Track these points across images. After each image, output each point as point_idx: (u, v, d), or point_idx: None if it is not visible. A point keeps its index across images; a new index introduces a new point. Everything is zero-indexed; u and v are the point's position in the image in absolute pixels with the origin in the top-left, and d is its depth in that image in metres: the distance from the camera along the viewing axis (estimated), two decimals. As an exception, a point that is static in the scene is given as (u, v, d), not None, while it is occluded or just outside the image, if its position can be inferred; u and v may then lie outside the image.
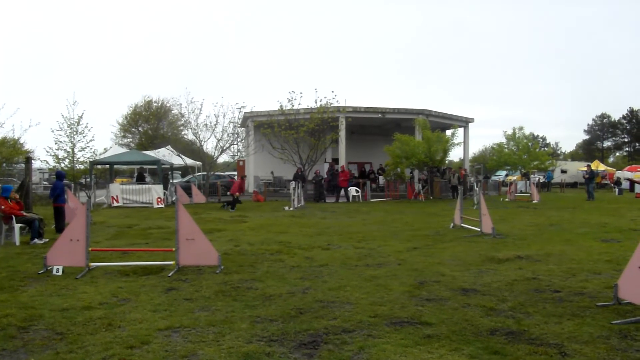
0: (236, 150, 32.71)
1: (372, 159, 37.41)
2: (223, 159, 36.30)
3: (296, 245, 11.03)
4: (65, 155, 24.38)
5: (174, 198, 23.80)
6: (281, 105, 29.69)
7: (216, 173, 34.20)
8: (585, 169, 30.67)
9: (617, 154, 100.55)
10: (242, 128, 34.46)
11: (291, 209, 21.35)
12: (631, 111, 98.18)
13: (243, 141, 33.68)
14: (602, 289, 6.93)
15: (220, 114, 31.60)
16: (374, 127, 37.19)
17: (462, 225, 14.01)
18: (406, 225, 15.25)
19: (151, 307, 6.07)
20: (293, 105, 29.47)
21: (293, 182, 25.42)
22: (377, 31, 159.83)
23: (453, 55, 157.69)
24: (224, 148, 29.91)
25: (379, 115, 32.50)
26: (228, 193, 25.92)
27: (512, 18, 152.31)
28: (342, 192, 27.32)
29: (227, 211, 20.57)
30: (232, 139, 30.25)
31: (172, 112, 57.88)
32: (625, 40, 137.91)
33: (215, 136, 29.62)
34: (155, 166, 29.69)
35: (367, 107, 32.47)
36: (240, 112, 30.46)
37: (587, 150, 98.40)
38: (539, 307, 6.05)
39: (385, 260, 9.22)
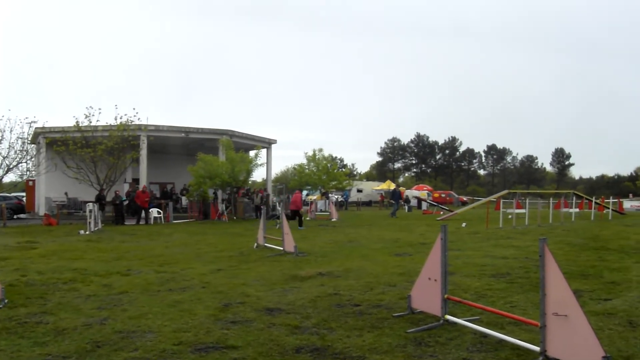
0: (25, 169, 29.93)
1: (175, 179, 36.58)
2: (9, 178, 32.95)
3: (92, 272, 10.22)
4: None
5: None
6: (77, 122, 27.61)
7: (1, 194, 30.94)
8: (394, 186, 33.05)
9: (406, 175, 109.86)
10: (33, 145, 31.64)
11: (87, 232, 19.94)
12: (418, 135, 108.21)
13: (33, 159, 30.91)
14: (398, 300, 7.35)
15: (7, 128, 28.67)
16: (178, 146, 36.38)
17: (266, 245, 14.14)
18: (210, 246, 15.01)
19: None
20: (91, 122, 27.58)
21: (90, 203, 23.84)
22: (182, 49, 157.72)
23: (257, 76, 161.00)
24: (11, 166, 27.10)
25: (182, 134, 31.92)
26: (289, 210, 23.75)
27: (310, 43, 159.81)
28: (143, 213, 26.24)
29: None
30: (20, 156, 27.51)
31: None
32: (410, 73, 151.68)
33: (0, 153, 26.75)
34: None
35: (170, 126, 31.74)
36: (30, 127, 27.90)
37: (380, 171, 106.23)
38: (342, 322, 6.23)
39: (189, 283, 8.91)
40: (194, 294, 7.99)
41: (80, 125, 27.37)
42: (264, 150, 34.16)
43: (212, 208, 29.62)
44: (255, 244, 14.54)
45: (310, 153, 38.99)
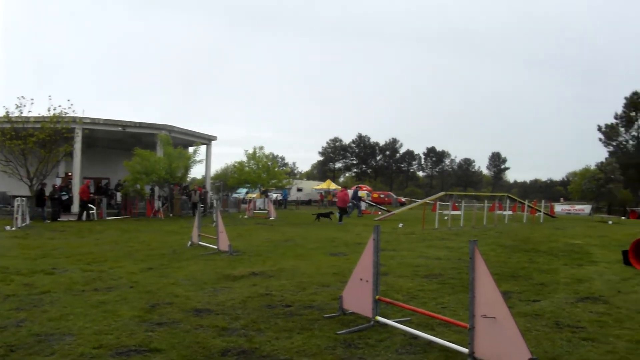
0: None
1: (111, 175, 35.53)
2: None
3: (14, 270, 9.74)
4: None
5: None
6: (7, 112, 26.42)
7: None
8: (353, 188, 33.06)
9: (347, 174, 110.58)
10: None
11: (14, 228, 19.12)
12: (360, 136, 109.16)
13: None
14: (330, 301, 7.33)
15: None
16: (114, 140, 35.34)
17: (200, 243, 13.90)
18: (142, 244, 14.62)
19: None
20: (22, 112, 26.46)
21: (18, 198, 22.86)
22: (123, 44, 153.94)
23: (199, 72, 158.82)
24: None
25: (119, 128, 30.99)
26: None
27: (253, 40, 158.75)
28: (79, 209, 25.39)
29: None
30: (-60, 148, 26.08)
31: None
32: (352, 74, 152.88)
33: None
34: None
35: (107, 120, 30.76)
36: (-48, 117, 26.46)
37: (321, 171, 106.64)
38: (271, 323, 6.15)
39: (116, 283, 8.62)
40: (121, 294, 7.73)
41: (10, 115, 26.23)
42: (203, 147, 33.68)
43: (148, 205, 28.96)
44: (190, 242, 14.27)
45: (251, 151, 38.78)
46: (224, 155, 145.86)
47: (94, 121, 29.99)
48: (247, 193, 48.02)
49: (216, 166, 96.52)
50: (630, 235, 18.51)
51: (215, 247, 12.91)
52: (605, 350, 5.37)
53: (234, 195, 46.36)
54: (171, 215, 29.37)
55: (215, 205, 29.86)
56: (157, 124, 32.53)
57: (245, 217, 28.96)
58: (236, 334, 5.71)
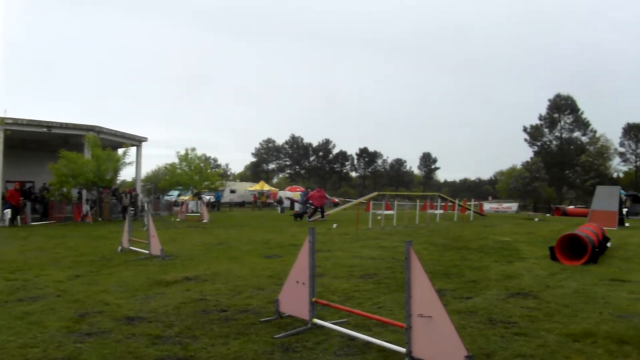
0: None
1: (35, 178, 34.13)
2: None
3: None
4: None
5: None
6: None
7: None
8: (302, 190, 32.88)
9: (280, 176, 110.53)
10: None
11: None
12: (293, 137, 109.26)
13: None
14: (266, 304, 7.26)
15: None
16: (39, 142, 33.96)
17: (131, 248, 13.54)
18: (70, 250, 14.08)
19: None
20: None
21: None
22: (52, 42, 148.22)
23: (128, 71, 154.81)
24: None
25: (44, 129, 29.81)
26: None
27: (184, 40, 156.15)
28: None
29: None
30: None
31: None
32: (286, 75, 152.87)
33: None
34: None
35: (31, 120, 29.50)
36: None
37: (255, 172, 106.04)
38: (207, 329, 6.04)
39: (42, 292, 8.26)
40: (47, 303, 7.40)
41: None
42: (133, 149, 32.78)
43: (75, 209, 27.97)
44: (120, 247, 13.86)
45: (183, 152, 38.17)
46: (155, 156, 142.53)
47: (16, 122, 28.71)
48: (179, 195, 47.18)
49: (147, 168, 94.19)
50: (556, 231, 19.29)
51: (147, 251, 12.57)
52: (537, 344, 5.56)
53: (166, 197, 45.48)
54: (100, 219, 28.46)
55: (146, 208, 29.15)
56: (84, 124, 31.48)
57: (178, 220, 28.41)
58: (170, 341, 5.58)
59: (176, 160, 38.80)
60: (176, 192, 48.27)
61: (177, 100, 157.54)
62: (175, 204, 42.39)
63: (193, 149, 38.47)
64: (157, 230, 12.84)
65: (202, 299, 7.66)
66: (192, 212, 33.08)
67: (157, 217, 28.98)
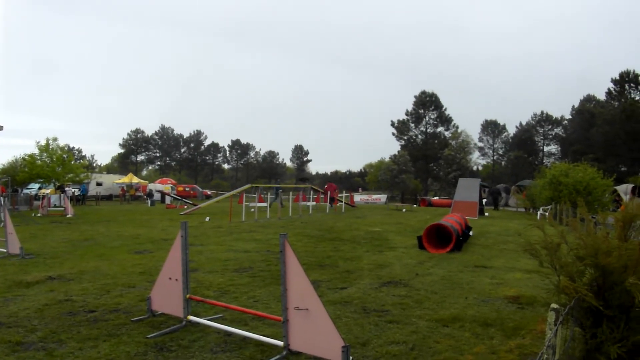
0: None
1: None
2: None
3: None
4: None
5: None
6: None
7: None
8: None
9: (150, 168, 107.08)
10: None
11: None
12: (163, 128, 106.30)
13: None
14: (137, 303, 7.03)
15: None
16: None
17: (-14, 246, 12.53)
18: None
19: None
20: None
21: None
22: None
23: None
24: None
25: None
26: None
27: (50, 24, 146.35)
28: None
29: None
30: None
31: None
32: (152, 63, 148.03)
33: None
34: None
35: None
36: None
37: (123, 164, 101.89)
38: (74, 332, 5.73)
39: None
40: None
41: None
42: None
43: None
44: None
45: (43, 142, 35.95)
46: (12, 147, 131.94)
47: None
48: (40, 189, 44.24)
49: (2, 160, 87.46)
50: (422, 221, 20.30)
51: (4, 250, 11.69)
52: (410, 330, 5.83)
53: (25, 191, 42.47)
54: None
55: (2, 203, 27.07)
56: None
57: (39, 215, 26.63)
58: (33, 348, 5.23)
59: (36, 151, 36.49)
60: (37, 185, 45.30)
61: (36, 86, 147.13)
62: (36, 198, 39.70)
63: (55, 139, 36.38)
64: (16, 227, 12.02)
65: (68, 300, 7.24)
66: (55, 206, 31.12)
67: (14, 213, 27.00)
